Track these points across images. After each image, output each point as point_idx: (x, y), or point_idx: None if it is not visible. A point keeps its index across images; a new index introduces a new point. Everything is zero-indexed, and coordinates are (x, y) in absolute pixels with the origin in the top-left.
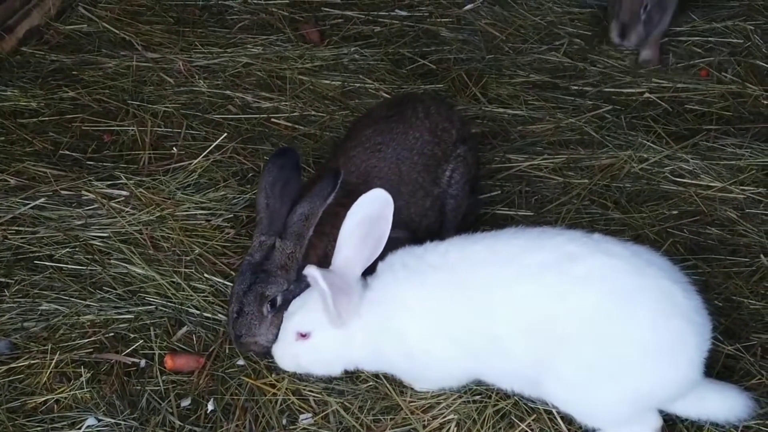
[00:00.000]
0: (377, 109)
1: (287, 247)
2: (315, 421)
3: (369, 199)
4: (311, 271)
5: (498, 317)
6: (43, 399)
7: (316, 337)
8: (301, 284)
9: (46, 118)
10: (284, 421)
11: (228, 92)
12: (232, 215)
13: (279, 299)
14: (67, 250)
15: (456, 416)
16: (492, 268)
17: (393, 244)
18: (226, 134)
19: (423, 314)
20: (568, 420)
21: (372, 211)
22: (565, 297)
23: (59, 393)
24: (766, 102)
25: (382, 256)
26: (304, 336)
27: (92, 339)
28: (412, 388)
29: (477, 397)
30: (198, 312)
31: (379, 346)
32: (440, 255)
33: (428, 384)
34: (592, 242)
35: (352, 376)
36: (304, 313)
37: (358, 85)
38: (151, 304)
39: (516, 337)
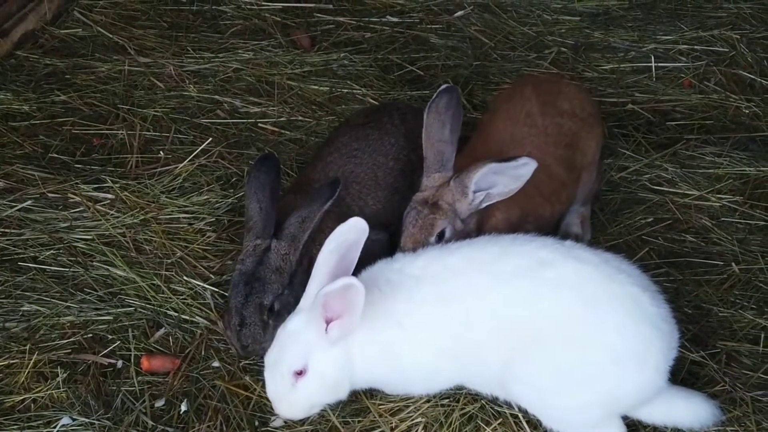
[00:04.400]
0: (354, 117)
1: (282, 247)
2: (285, 422)
3: (346, 228)
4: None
5: (476, 323)
6: (21, 398)
7: (314, 365)
8: (294, 288)
9: (38, 122)
10: (255, 423)
11: (217, 97)
12: (214, 219)
13: (276, 305)
14: (51, 252)
15: (423, 419)
16: (469, 277)
17: (374, 246)
18: (211, 139)
19: (412, 327)
20: (534, 424)
21: (348, 239)
22: (536, 302)
23: (36, 392)
24: (747, 111)
25: (362, 261)
26: (300, 373)
27: (71, 340)
28: (381, 392)
29: (445, 401)
30: (176, 314)
31: (368, 362)
32: (420, 267)
33: (411, 393)
34: (564, 248)
35: None
36: (290, 351)
37: (345, 90)
38: (130, 306)
39: (492, 341)
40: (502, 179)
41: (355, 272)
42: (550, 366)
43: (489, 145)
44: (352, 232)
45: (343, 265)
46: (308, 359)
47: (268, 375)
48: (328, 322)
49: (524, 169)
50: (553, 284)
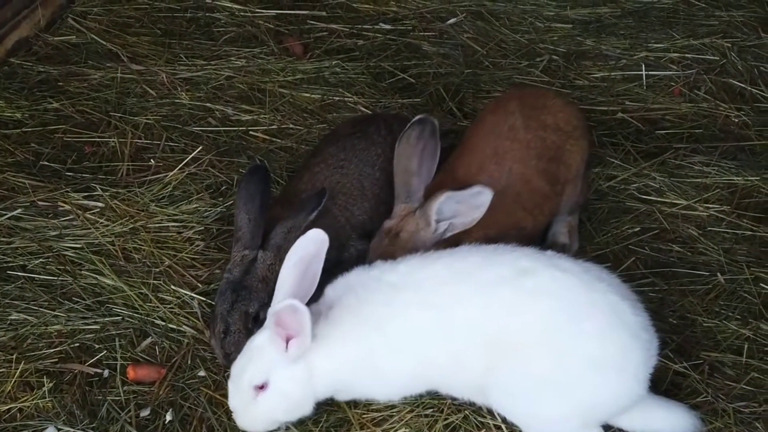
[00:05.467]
0: (342, 127)
1: (268, 258)
2: None
3: (306, 240)
4: (293, 303)
5: (457, 331)
6: (7, 407)
7: (275, 382)
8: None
9: (29, 129)
10: None
11: (209, 104)
12: (203, 228)
13: (262, 315)
14: (41, 260)
15: (407, 430)
16: (451, 285)
17: (360, 256)
18: (201, 147)
19: (391, 334)
20: None
21: (309, 251)
22: (517, 310)
23: (22, 402)
24: (736, 120)
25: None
26: (261, 388)
27: (58, 349)
28: (365, 402)
29: (428, 411)
30: (163, 323)
31: (344, 369)
32: (401, 274)
33: (387, 399)
34: (545, 258)
35: None
36: (253, 365)
37: (337, 98)
38: (118, 315)
39: (473, 349)
40: (461, 208)
41: None
42: (530, 374)
43: (471, 158)
44: (312, 244)
45: (307, 278)
46: (269, 376)
47: (231, 385)
48: (288, 340)
49: (480, 197)
50: (534, 293)
